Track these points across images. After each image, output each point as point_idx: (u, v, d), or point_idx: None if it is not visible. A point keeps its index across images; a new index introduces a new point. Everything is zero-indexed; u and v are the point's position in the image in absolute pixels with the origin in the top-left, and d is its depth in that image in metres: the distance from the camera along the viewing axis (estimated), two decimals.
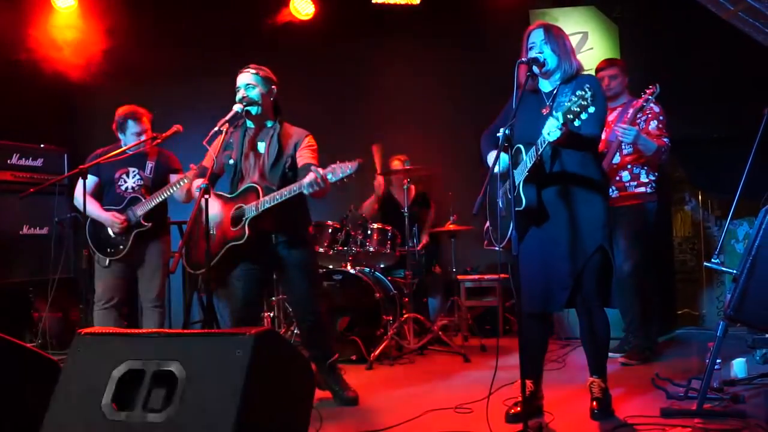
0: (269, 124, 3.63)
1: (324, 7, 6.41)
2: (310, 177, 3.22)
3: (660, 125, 4.39)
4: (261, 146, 3.59)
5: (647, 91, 4.32)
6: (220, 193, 3.61)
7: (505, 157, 2.99)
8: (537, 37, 3.16)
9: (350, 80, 6.45)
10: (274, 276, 3.76)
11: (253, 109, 3.51)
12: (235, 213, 3.51)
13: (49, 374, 2.38)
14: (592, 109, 2.69)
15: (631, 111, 4.40)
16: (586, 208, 3.09)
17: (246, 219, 3.43)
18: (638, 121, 4.43)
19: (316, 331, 3.67)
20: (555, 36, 3.15)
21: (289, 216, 3.52)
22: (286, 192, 3.34)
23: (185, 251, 3.61)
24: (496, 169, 3.03)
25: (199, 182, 3.56)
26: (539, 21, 3.31)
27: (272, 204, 3.37)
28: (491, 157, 3.20)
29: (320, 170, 3.20)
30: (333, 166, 3.20)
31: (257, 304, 3.84)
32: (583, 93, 2.69)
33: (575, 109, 2.70)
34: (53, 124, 5.74)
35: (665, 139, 4.36)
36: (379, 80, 6.44)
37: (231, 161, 3.61)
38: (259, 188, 3.46)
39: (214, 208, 3.50)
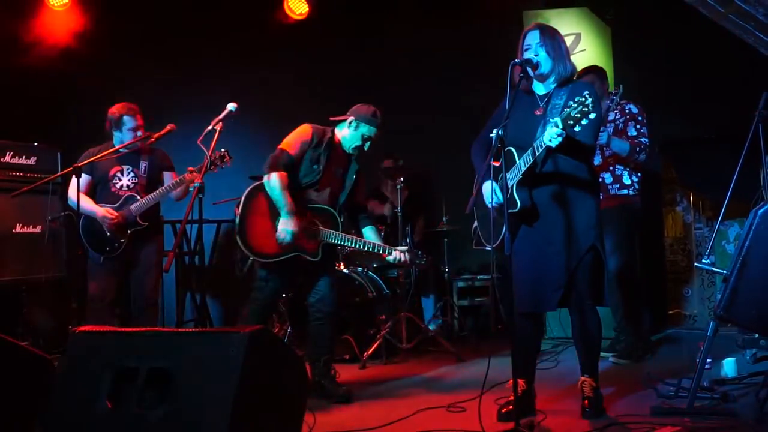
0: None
1: (318, 6, 6.41)
2: (399, 256, 3.67)
3: (638, 126, 4.42)
4: (338, 171, 3.81)
5: (611, 92, 4.39)
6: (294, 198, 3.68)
7: (497, 192, 3.05)
8: (533, 38, 3.17)
9: (344, 79, 6.45)
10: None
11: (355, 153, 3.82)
12: (309, 227, 3.66)
13: (42, 372, 2.39)
14: (593, 116, 2.72)
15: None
16: (578, 209, 3.11)
17: (322, 242, 3.66)
18: (617, 122, 4.46)
19: (331, 324, 3.81)
20: (550, 38, 3.16)
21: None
22: (372, 247, 3.72)
23: (242, 236, 3.68)
24: (487, 197, 3.09)
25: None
26: (535, 22, 3.33)
27: (352, 246, 3.73)
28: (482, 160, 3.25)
29: (408, 255, 3.65)
30: (412, 254, 3.67)
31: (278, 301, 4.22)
32: (584, 99, 2.71)
33: (576, 115, 2.72)
34: (46, 122, 5.71)
35: (643, 139, 4.39)
36: (373, 79, 6.45)
37: (316, 167, 3.73)
38: (339, 222, 3.72)
39: (297, 221, 3.65)
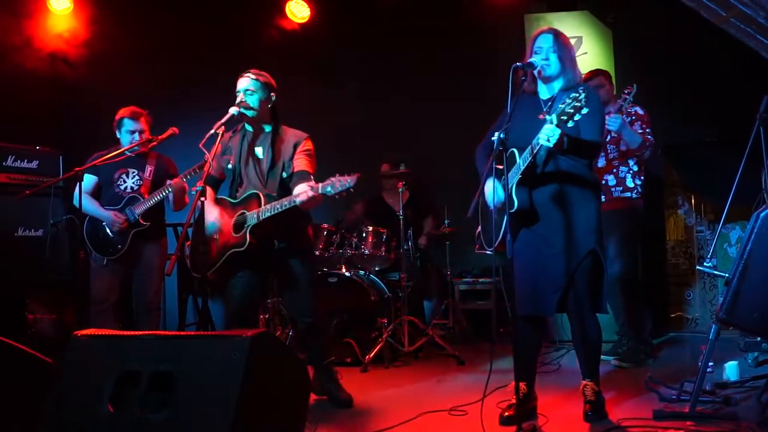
0: (267, 129, 3.65)
1: (319, 9, 6.42)
2: (302, 196, 3.27)
3: (643, 125, 4.43)
4: (259, 151, 3.63)
5: (625, 91, 4.38)
6: (223, 197, 3.64)
7: (500, 190, 3.03)
8: (545, 42, 3.18)
9: (345, 83, 6.46)
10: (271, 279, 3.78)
11: (249, 113, 3.54)
12: (237, 219, 3.54)
13: (44, 375, 2.39)
14: (585, 110, 2.72)
15: (612, 111, 4.45)
16: (578, 212, 3.11)
17: (247, 226, 3.46)
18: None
19: (312, 332, 3.69)
20: (563, 44, 3.18)
21: (290, 223, 3.53)
22: (287, 202, 3.36)
23: (189, 255, 3.63)
24: (489, 196, 3.06)
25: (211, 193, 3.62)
26: (549, 26, 3.33)
27: (272, 213, 3.40)
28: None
29: (316, 186, 3.24)
30: (332, 179, 3.23)
31: (254, 310, 3.88)
32: (577, 95, 2.72)
33: (569, 111, 2.73)
34: (48, 126, 5.73)
35: (649, 137, 4.40)
36: (374, 83, 6.46)
37: (230, 166, 3.64)
38: (261, 196, 3.48)
39: (217, 214, 3.56)
